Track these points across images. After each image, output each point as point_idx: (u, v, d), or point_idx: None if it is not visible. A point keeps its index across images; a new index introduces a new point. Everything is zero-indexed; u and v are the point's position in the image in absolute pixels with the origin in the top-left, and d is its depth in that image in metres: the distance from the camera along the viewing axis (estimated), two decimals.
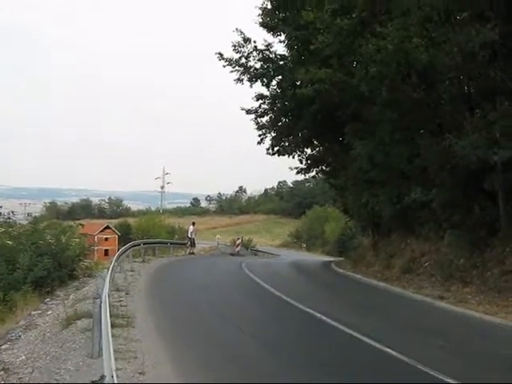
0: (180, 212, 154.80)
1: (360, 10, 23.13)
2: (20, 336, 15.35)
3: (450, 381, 9.26)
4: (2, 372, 11.37)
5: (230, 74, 32.08)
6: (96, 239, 67.72)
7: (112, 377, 5.94)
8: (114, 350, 8.45)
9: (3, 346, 13.88)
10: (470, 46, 18.66)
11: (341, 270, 31.99)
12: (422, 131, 23.90)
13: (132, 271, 24.63)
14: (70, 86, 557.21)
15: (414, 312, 18.03)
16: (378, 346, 11.78)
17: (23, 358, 12.30)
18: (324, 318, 15.00)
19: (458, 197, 21.47)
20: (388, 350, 11.37)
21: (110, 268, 17.87)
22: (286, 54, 31.95)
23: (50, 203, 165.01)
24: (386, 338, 12.51)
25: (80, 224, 34.08)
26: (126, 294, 17.92)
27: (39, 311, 18.76)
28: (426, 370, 9.86)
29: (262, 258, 55.08)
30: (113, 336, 9.60)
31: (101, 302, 10.59)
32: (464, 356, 11.60)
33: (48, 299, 21.03)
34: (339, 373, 10.05)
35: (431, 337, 13.46)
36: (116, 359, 8.38)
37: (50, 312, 17.96)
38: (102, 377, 5.73)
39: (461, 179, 20.63)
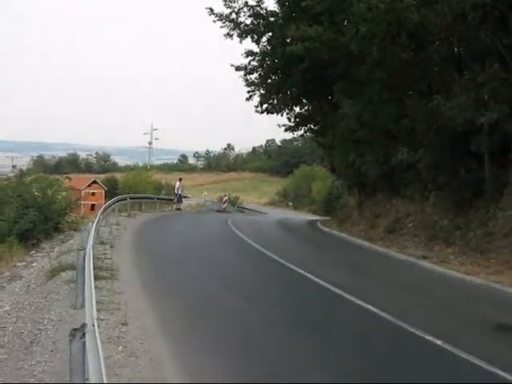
0: (167, 168, 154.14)
1: None
2: (4, 287, 15.45)
3: (429, 338, 9.42)
4: None
5: (220, 30, 31.81)
6: (83, 194, 67.41)
7: (93, 325, 5.99)
8: (97, 301, 8.54)
9: None
10: (461, 6, 18.54)
11: (326, 229, 32.13)
12: (410, 92, 23.87)
13: (118, 225, 24.58)
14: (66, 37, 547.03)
15: (397, 271, 18.23)
16: (362, 303, 11.93)
17: (7, 308, 12.40)
18: (309, 275, 15.14)
19: (444, 158, 21.48)
20: (371, 307, 11.52)
21: (95, 221, 17.91)
22: (277, 10, 31.61)
23: (37, 157, 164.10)
24: (370, 296, 12.66)
25: (67, 177, 33.96)
26: (111, 247, 17.94)
27: (24, 263, 18.86)
28: (407, 327, 10.04)
29: (248, 216, 55.18)
30: (96, 288, 9.69)
31: (85, 254, 10.63)
32: (445, 315, 11.77)
33: (33, 251, 21.13)
34: (325, 329, 10.21)
35: (414, 296, 13.69)
36: (99, 310, 8.47)
37: (34, 264, 18.06)
38: (83, 325, 5.76)
39: (448, 140, 20.64)
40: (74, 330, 5.67)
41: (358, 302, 12.12)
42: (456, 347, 8.85)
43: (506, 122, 18.10)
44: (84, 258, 10.47)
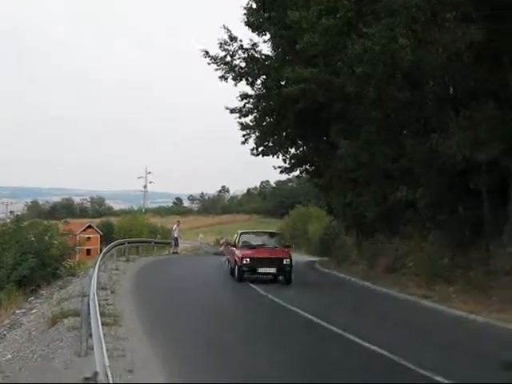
0: (162, 212, 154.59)
1: (346, 9, 23.08)
2: (5, 335, 15.24)
3: (438, 378, 9.30)
4: None
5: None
6: (78, 238, 67.07)
7: (106, 374, 5.89)
8: None
9: None
10: (456, 46, 18.73)
11: (326, 270, 32.04)
12: (406, 131, 24.02)
13: (117, 270, 24.46)
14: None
15: (399, 311, 18.08)
16: (365, 344, 11.79)
17: (9, 356, 12.20)
18: (311, 317, 15.01)
19: (443, 196, 21.54)
20: (376, 348, 11.39)
21: (96, 266, 17.77)
22: (271, 54, 31.88)
23: (31, 202, 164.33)
24: (374, 336, 12.53)
25: (66, 221, 34.04)
26: (112, 292, 17.80)
27: (23, 310, 18.67)
28: (414, 368, 9.90)
29: None
30: None
31: (89, 300, 10.51)
32: (451, 354, 11.62)
33: (32, 298, 20.95)
34: (325, 368, 10.08)
35: (417, 335, 13.58)
36: None
37: (34, 311, 17.87)
38: (95, 373, 5.67)
39: (446, 179, 20.74)
40: (86, 378, 5.58)
41: (362, 342, 11.96)
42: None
43: (503, 160, 18.18)
44: (88, 305, 10.34)
